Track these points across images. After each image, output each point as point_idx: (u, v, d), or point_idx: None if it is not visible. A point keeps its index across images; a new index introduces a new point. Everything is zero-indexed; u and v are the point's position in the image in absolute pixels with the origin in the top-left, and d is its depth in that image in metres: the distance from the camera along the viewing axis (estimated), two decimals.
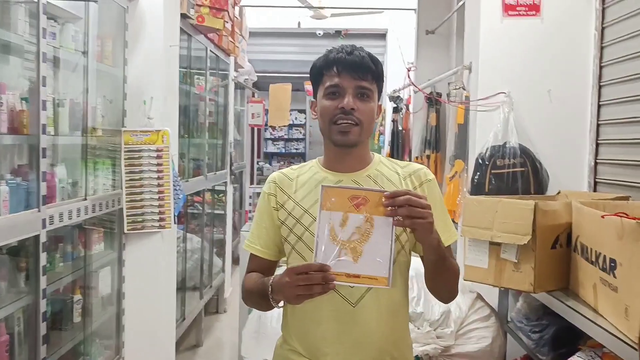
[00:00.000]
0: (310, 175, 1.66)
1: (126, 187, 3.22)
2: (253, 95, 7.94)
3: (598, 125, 3.23)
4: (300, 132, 12.62)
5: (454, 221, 2.81)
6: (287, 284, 1.40)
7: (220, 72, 5.43)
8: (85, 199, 2.87)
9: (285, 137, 12.61)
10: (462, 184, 3.64)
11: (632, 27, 2.92)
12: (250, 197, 8.28)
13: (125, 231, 3.23)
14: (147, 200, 3.25)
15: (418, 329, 2.66)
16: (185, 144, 4.35)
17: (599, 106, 3.23)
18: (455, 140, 3.93)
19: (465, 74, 3.64)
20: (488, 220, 2.61)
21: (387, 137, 7.04)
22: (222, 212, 5.91)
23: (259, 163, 11.45)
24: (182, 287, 4.29)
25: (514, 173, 3.23)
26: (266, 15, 7.31)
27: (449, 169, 3.97)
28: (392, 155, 6.10)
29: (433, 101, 4.89)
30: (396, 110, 6.22)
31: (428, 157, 5.02)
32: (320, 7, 6.75)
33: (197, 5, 4.03)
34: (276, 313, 3.22)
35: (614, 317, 2.04)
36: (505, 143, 3.26)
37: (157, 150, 3.26)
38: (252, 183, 9.54)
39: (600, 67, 3.22)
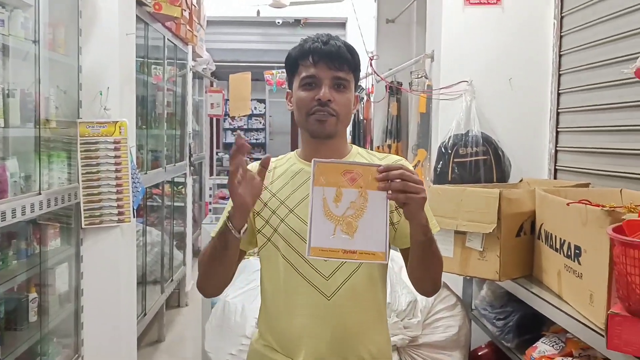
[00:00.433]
0: (287, 167, 1.63)
1: (83, 181, 3.11)
2: (211, 85, 7.81)
3: (558, 113, 3.28)
4: (260, 122, 12.51)
5: None
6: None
7: (178, 61, 5.31)
8: (40, 194, 2.75)
9: (245, 127, 12.48)
10: (425, 173, 3.64)
11: (590, 16, 2.96)
12: (210, 188, 8.18)
13: (83, 226, 3.13)
14: (105, 193, 3.15)
15: None
16: (143, 135, 4.24)
17: (559, 94, 3.27)
18: (417, 129, 3.93)
19: (427, 63, 3.64)
20: (453, 210, 2.62)
21: (349, 126, 7.03)
22: (182, 204, 5.81)
23: (219, 154, 11.32)
24: (142, 282, 4.20)
25: (477, 161, 3.25)
26: (225, 3, 7.19)
27: (411, 158, 3.98)
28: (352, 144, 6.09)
29: (394, 90, 4.89)
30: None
31: (389, 146, 5.02)
32: None
33: None
34: (240, 308, 3.17)
35: (579, 303, 2.07)
36: (467, 132, 3.28)
37: (115, 142, 3.16)
38: (211, 174, 9.42)
39: (560, 56, 3.26)
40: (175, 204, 5.53)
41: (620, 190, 2.49)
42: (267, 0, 6.81)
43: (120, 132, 3.17)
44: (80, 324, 3.21)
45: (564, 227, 2.19)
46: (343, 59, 1.53)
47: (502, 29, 3.37)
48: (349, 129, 7.07)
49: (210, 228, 3.92)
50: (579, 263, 2.06)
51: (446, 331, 2.71)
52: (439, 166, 3.29)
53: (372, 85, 5.67)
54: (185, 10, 4.74)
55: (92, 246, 3.23)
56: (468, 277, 2.92)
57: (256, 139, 12.51)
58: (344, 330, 1.53)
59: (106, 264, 3.26)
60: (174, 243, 5.37)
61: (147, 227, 4.47)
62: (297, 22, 7.49)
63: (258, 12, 7.15)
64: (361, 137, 6.04)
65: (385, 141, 5.11)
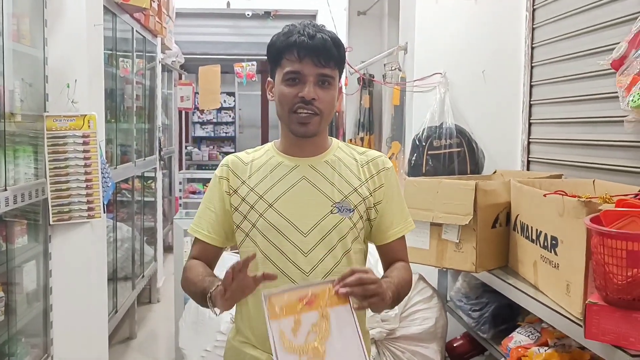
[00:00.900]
0: (265, 160, 1.60)
1: (50, 176, 3.02)
2: (180, 78, 7.70)
3: (530, 105, 3.30)
4: (230, 116, 12.38)
5: None
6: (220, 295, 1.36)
7: (147, 54, 5.21)
8: (5, 190, 2.66)
9: (214, 120, 12.35)
10: (399, 166, 3.64)
11: (561, 9, 2.98)
12: (180, 183, 8.07)
13: (51, 222, 3.04)
14: (74, 189, 3.07)
15: None
16: (112, 129, 4.15)
17: (531, 86, 3.30)
18: (391, 121, 3.93)
19: (400, 55, 3.63)
20: (429, 202, 2.62)
21: None
22: (152, 199, 5.72)
23: (188, 148, 11.18)
24: (113, 278, 4.12)
25: (451, 153, 3.26)
26: None
27: (385, 151, 3.97)
28: None
29: (366, 83, 4.88)
30: None
31: (362, 139, 5.02)
32: None
33: None
34: None
35: (555, 293, 2.08)
36: (441, 124, 3.28)
37: (84, 136, 3.07)
38: (181, 168, 9.30)
39: (532, 48, 3.28)
40: (145, 199, 5.44)
41: (593, 181, 2.52)
42: None
43: (89, 126, 3.09)
44: (49, 323, 3.13)
45: (540, 218, 2.21)
46: (329, 56, 1.49)
47: (475, 21, 3.38)
48: None
49: (182, 223, 3.87)
50: (556, 254, 2.07)
51: (423, 323, 2.72)
52: (413, 158, 3.30)
53: (346, 77, 5.66)
54: (154, 2, 4.65)
55: (61, 243, 3.14)
56: (444, 269, 2.93)
57: (226, 133, 12.40)
58: None
59: (76, 261, 3.18)
60: (145, 239, 5.28)
61: (117, 222, 4.38)
62: (267, 15, 7.40)
63: (228, 4, 7.05)
64: (334, 129, 6.02)
65: (358, 134, 5.10)
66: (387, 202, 1.61)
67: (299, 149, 1.57)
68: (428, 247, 2.66)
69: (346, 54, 1.64)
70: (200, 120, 12.30)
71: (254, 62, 7.10)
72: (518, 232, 2.45)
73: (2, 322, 2.75)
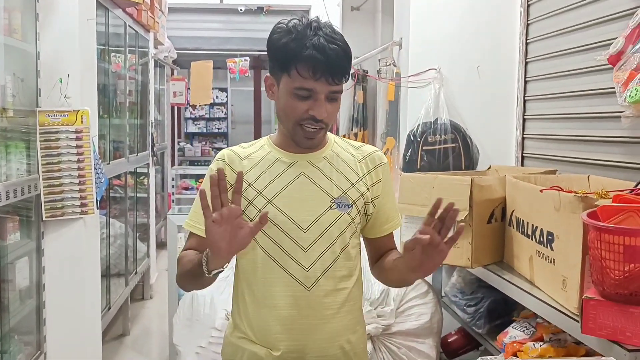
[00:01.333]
0: (262, 155, 1.58)
1: (43, 172, 2.99)
2: (173, 73, 7.66)
3: (524, 101, 3.31)
4: (222, 112, 12.33)
5: None
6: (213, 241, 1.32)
7: (139, 49, 5.17)
8: None
9: (207, 116, 12.29)
10: (394, 161, 3.64)
11: (555, 4, 2.98)
12: (172, 179, 8.04)
13: (44, 218, 3.02)
14: (66, 185, 3.04)
15: None
16: (104, 124, 4.12)
17: (525, 82, 3.30)
18: (386, 117, 3.92)
19: (395, 50, 3.62)
20: (424, 197, 2.61)
21: None
22: (145, 195, 5.69)
23: (180, 143, 11.14)
24: (106, 275, 4.10)
25: (445, 149, 3.26)
26: None
27: (380, 147, 3.97)
28: None
29: (360, 79, 4.87)
30: None
31: (355, 135, 5.01)
32: None
33: None
34: (209, 300, 3.12)
35: (551, 288, 2.09)
36: (436, 119, 3.28)
37: (77, 132, 3.05)
38: (173, 164, 9.27)
39: (527, 44, 3.28)
40: (138, 195, 5.41)
41: (588, 177, 2.52)
42: None
43: (82, 121, 3.06)
44: (42, 320, 3.11)
45: (536, 214, 2.21)
46: (343, 73, 1.46)
47: (469, 16, 3.37)
48: None
49: (175, 219, 3.86)
50: (552, 249, 2.07)
51: (419, 319, 2.72)
52: (408, 154, 3.29)
53: None
54: None
55: (54, 239, 3.12)
56: (440, 265, 2.92)
57: (218, 129, 12.35)
58: (323, 320, 1.52)
59: (69, 258, 3.15)
60: (138, 235, 5.26)
61: (110, 219, 4.36)
62: (260, 10, 7.38)
63: None
64: None
65: (352, 129, 5.09)
66: (384, 197, 1.63)
67: (297, 146, 1.57)
68: None
69: None
70: (193, 116, 12.25)
71: (247, 58, 7.08)
72: (513, 228, 2.45)
73: None
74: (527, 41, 3.28)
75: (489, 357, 1.35)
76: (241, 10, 7.36)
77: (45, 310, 3.12)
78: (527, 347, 2.28)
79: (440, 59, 3.35)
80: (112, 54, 4.32)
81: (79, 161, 3.07)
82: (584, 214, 1.72)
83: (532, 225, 2.24)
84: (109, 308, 4.07)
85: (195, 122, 12.32)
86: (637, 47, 1.81)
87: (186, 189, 8.10)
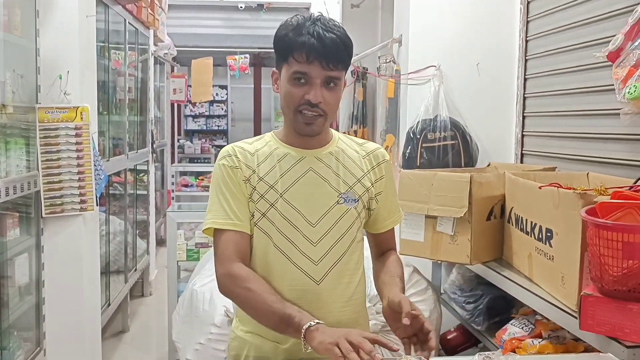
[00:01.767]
0: (270, 150, 1.60)
1: (43, 168, 2.99)
2: (173, 70, 7.66)
3: (524, 98, 3.30)
4: (222, 109, 12.34)
5: None
6: (330, 347, 1.29)
7: (139, 46, 5.17)
8: None
9: (207, 113, 12.29)
10: (393, 158, 3.64)
11: (555, 1, 2.98)
12: (172, 176, 8.04)
13: (44, 215, 3.02)
14: (66, 181, 3.04)
15: None
16: (104, 121, 4.12)
17: (525, 79, 3.30)
18: (385, 114, 3.92)
19: (395, 48, 3.62)
20: (424, 194, 2.61)
21: None
22: (145, 192, 5.69)
23: (180, 141, 11.14)
24: (105, 272, 4.10)
25: (445, 146, 3.26)
26: None
27: (380, 144, 3.96)
28: None
29: (360, 76, 4.87)
30: None
31: (355, 132, 5.01)
32: None
33: None
34: (208, 296, 3.12)
35: (550, 285, 2.09)
36: (436, 116, 3.28)
37: (76, 128, 3.05)
38: (173, 162, 9.27)
39: (526, 41, 3.28)
40: (138, 192, 5.41)
41: (587, 174, 2.52)
42: None
43: (81, 118, 3.06)
44: (41, 317, 3.11)
45: (535, 211, 2.21)
46: (338, 58, 1.48)
47: (469, 14, 3.37)
48: None
49: (175, 216, 3.86)
50: (550, 246, 2.08)
51: None
52: (408, 151, 3.30)
53: None
54: None
55: (54, 236, 3.12)
56: (439, 262, 2.93)
57: (218, 126, 12.35)
58: (330, 314, 1.53)
59: (68, 254, 3.16)
60: (137, 232, 5.26)
61: (110, 216, 4.36)
62: (260, 7, 7.37)
63: None
64: None
65: (351, 127, 5.09)
66: (386, 193, 1.67)
67: (303, 142, 1.59)
68: (423, 239, 2.66)
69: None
70: (193, 114, 12.25)
71: (247, 55, 7.08)
72: (512, 225, 2.45)
73: None
74: (527, 38, 3.27)
75: (486, 352, 1.35)
76: (241, 7, 7.36)
77: (45, 307, 3.12)
78: (525, 343, 2.28)
79: (440, 56, 3.35)
80: (112, 51, 4.32)
81: (78, 158, 3.07)
82: (582, 210, 1.72)
83: (531, 222, 2.24)
84: (109, 305, 4.08)
85: (195, 120, 12.33)
86: (636, 43, 1.81)
87: (186, 186, 8.11)
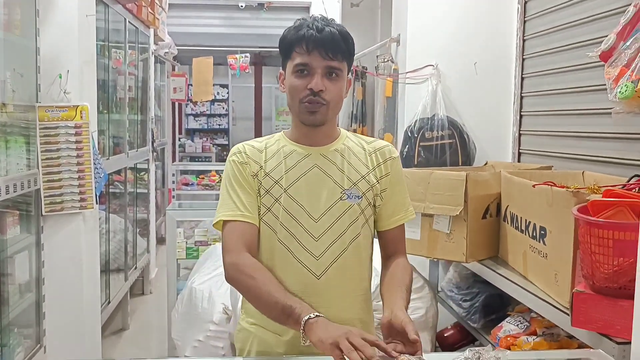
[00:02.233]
0: (278, 148, 1.64)
1: (43, 167, 3.01)
2: (173, 69, 7.67)
3: (521, 97, 3.32)
4: (223, 108, 12.35)
5: None
6: (330, 347, 1.31)
7: (139, 45, 5.19)
8: None
9: (208, 112, 12.31)
10: None
11: (552, 1, 2.99)
12: (173, 175, 8.06)
13: (44, 213, 3.04)
14: (66, 179, 3.06)
15: None
16: (104, 120, 4.14)
17: (522, 78, 3.31)
18: (384, 113, 3.94)
19: (393, 47, 3.64)
20: (420, 192, 2.63)
21: None
22: (145, 190, 5.71)
23: (181, 140, 11.15)
24: (105, 270, 4.12)
25: (443, 145, 3.28)
26: None
27: None
28: None
29: (359, 75, 4.89)
30: None
31: (354, 130, 5.03)
32: None
33: None
34: (207, 294, 3.15)
35: (544, 283, 2.11)
36: (433, 115, 3.30)
37: (76, 127, 3.07)
38: (174, 160, 9.28)
39: (523, 40, 3.30)
40: (138, 190, 5.43)
41: (582, 172, 2.54)
42: None
43: (81, 117, 3.08)
44: (42, 314, 3.13)
45: (530, 209, 2.23)
46: (337, 48, 1.54)
47: (467, 13, 3.39)
48: None
49: (175, 214, 3.88)
50: (544, 243, 2.09)
51: (414, 313, 2.74)
52: (405, 150, 3.31)
53: None
54: None
55: (54, 234, 3.14)
56: (435, 260, 2.95)
57: (219, 125, 12.36)
58: (331, 308, 1.55)
59: (68, 252, 3.18)
60: (138, 230, 5.28)
61: (110, 214, 4.38)
62: (260, 6, 7.37)
63: None
64: None
65: (351, 125, 5.11)
66: (391, 190, 1.67)
67: (310, 139, 1.62)
68: (419, 237, 2.68)
69: None
70: (194, 113, 12.26)
71: (247, 54, 7.09)
72: (508, 223, 2.47)
73: None
74: (524, 38, 3.29)
75: (477, 347, 1.37)
76: (242, 6, 7.36)
77: (45, 304, 3.14)
78: (520, 340, 2.30)
79: (437, 55, 3.37)
80: (113, 50, 4.34)
81: (78, 156, 3.09)
82: (574, 208, 1.74)
83: (526, 220, 2.26)
84: (108, 302, 4.10)
85: (197, 118, 12.34)
86: (628, 43, 1.82)
87: (186, 184, 8.13)
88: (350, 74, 1.65)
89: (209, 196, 7.66)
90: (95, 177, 3.16)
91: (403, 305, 1.51)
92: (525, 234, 2.26)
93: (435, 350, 2.95)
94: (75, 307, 3.24)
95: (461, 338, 3.06)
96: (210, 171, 8.39)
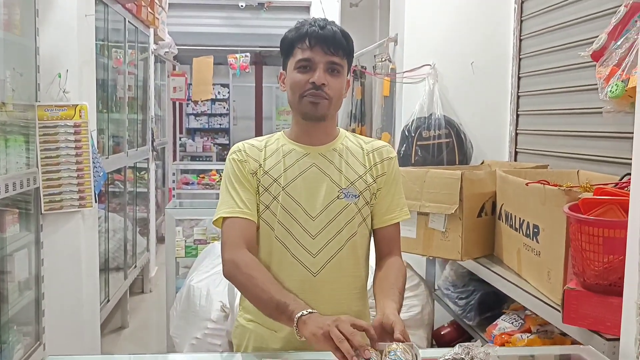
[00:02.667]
0: (277, 146, 1.66)
1: (42, 165, 3.04)
2: (174, 69, 7.70)
3: (518, 97, 3.33)
4: (224, 107, 12.37)
5: None
6: (322, 338, 1.32)
7: (139, 44, 5.21)
8: None
9: (208, 112, 12.33)
10: None
11: (549, 1, 3.01)
12: (173, 174, 8.08)
13: (43, 211, 3.06)
14: (65, 178, 3.09)
15: None
16: (103, 119, 4.16)
17: (519, 78, 3.33)
18: (381, 112, 3.96)
19: (390, 46, 3.66)
20: (416, 191, 2.65)
21: None
22: (145, 190, 5.73)
23: (182, 139, 11.18)
24: (105, 268, 4.14)
25: (439, 144, 3.29)
26: None
27: None
28: None
29: (358, 74, 4.90)
30: None
31: (353, 130, 5.04)
32: None
33: None
34: (205, 292, 3.17)
35: (537, 280, 2.13)
36: (430, 115, 3.32)
37: (75, 126, 3.09)
38: (174, 160, 9.30)
39: (520, 40, 3.31)
40: (138, 189, 5.45)
41: (577, 171, 2.56)
42: None
43: (80, 116, 3.11)
44: (41, 312, 3.15)
45: (523, 207, 2.25)
46: (338, 45, 1.57)
47: (464, 13, 3.41)
48: None
49: (174, 213, 3.90)
50: (537, 241, 2.11)
51: (409, 310, 2.76)
52: (403, 149, 3.33)
53: None
54: None
55: (53, 232, 3.16)
56: (431, 258, 2.97)
57: (220, 124, 12.39)
58: (328, 305, 1.57)
59: (67, 250, 3.20)
60: (137, 229, 5.30)
61: (110, 213, 4.40)
62: (260, 6, 7.39)
63: None
64: None
65: (350, 125, 5.12)
66: (387, 189, 1.69)
67: (309, 136, 1.64)
68: (415, 235, 2.69)
69: None
70: (195, 112, 12.28)
71: (248, 54, 7.11)
72: (503, 221, 2.49)
73: None
74: (521, 38, 3.31)
75: (466, 343, 1.39)
76: (242, 6, 7.38)
77: (44, 302, 3.16)
78: (515, 338, 2.32)
79: (435, 55, 3.38)
80: (113, 50, 4.36)
81: (77, 155, 3.11)
82: (566, 206, 1.76)
83: (520, 218, 2.28)
84: (108, 301, 4.12)
85: (197, 118, 12.36)
86: (618, 43, 1.84)
87: (187, 184, 8.14)
88: (349, 74, 1.68)
89: (209, 195, 7.68)
90: (94, 176, 3.19)
91: (395, 308, 1.52)
92: (519, 232, 2.28)
93: (432, 348, 2.96)
94: (75, 305, 3.27)
95: (457, 336, 3.08)
96: (210, 170, 8.41)
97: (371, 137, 4.61)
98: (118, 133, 4.64)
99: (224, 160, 1.73)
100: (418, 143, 3.30)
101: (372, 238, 1.73)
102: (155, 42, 5.89)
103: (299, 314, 1.40)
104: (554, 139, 2.96)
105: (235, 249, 1.56)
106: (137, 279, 5.34)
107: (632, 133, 1.46)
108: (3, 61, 2.82)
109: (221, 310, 3.02)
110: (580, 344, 1.76)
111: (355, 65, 4.85)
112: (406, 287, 2.81)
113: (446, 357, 1.35)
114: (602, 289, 1.66)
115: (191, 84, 7.50)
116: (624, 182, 1.95)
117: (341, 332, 1.31)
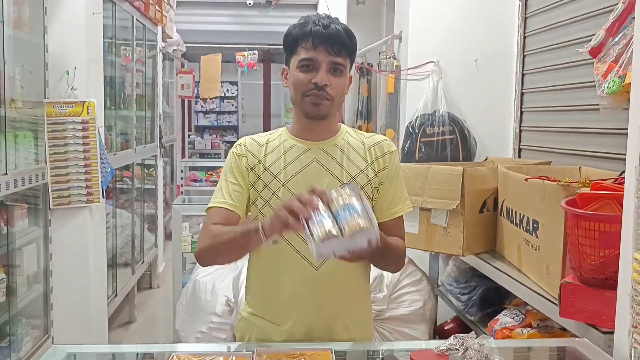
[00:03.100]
0: (278, 143, 1.68)
1: (50, 161, 3.09)
2: (182, 66, 7.74)
3: (522, 94, 3.34)
4: (233, 105, 12.41)
5: None
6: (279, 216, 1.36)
7: (147, 42, 5.26)
8: (6, 174, 2.73)
9: (217, 109, 12.37)
10: None
11: None
12: (181, 171, 8.13)
13: (51, 207, 3.11)
14: (73, 174, 3.13)
15: None
16: (112, 116, 4.21)
17: (523, 75, 3.34)
18: (385, 109, 3.98)
19: (395, 44, 3.68)
20: (418, 187, 2.67)
21: None
22: (153, 186, 5.78)
23: (190, 136, 11.23)
24: (112, 264, 4.19)
25: (443, 141, 3.31)
26: None
27: None
28: None
29: (365, 71, 4.92)
30: None
31: (360, 127, 5.06)
32: None
33: None
34: (210, 287, 3.21)
35: (536, 275, 2.14)
36: (434, 111, 3.33)
37: (83, 122, 3.14)
38: (183, 157, 9.36)
39: (524, 37, 3.32)
40: (146, 186, 5.50)
41: (579, 168, 2.57)
42: None
43: (88, 112, 3.15)
44: (49, 305, 3.21)
45: (524, 203, 2.26)
46: (342, 44, 1.58)
47: (468, 10, 3.42)
48: None
49: (181, 209, 3.94)
50: (537, 236, 2.13)
51: (411, 305, 2.78)
52: (407, 145, 3.35)
53: None
54: None
55: (61, 227, 3.22)
56: (433, 253, 2.99)
57: (228, 122, 12.43)
58: (330, 300, 1.60)
59: (75, 245, 3.25)
60: (145, 225, 5.35)
61: (117, 209, 4.45)
62: (268, 3, 7.42)
63: None
64: None
65: (356, 122, 5.14)
66: (389, 183, 1.70)
67: (311, 132, 1.66)
68: (417, 231, 2.71)
69: None
70: (203, 110, 12.33)
71: (256, 52, 7.14)
72: (504, 217, 2.51)
73: (3, 303, 2.83)
74: (525, 35, 3.31)
75: (461, 334, 1.41)
76: (250, 4, 7.42)
77: (53, 295, 3.22)
78: (515, 332, 2.33)
79: (439, 52, 3.40)
80: (121, 47, 4.40)
81: (85, 151, 3.16)
82: (563, 201, 1.78)
83: (520, 213, 2.29)
84: (115, 295, 4.17)
85: (206, 115, 12.40)
86: (616, 39, 1.85)
87: (195, 181, 8.19)
88: (351, 70, 1.69)
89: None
90: (101, 172, 3.23)
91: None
92: (520, 228, 2.29)
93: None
94: (82, 299, 3.32)
95: (461, 332, 3.08)
96: (218, 167, 8.44)
97: (377, 133, 4.64)
98: (126, 130, 4.69)
99: None
100: (422, 139, 3.31)
101: None
102: (164, 40, 5.93)
103: (261, 223, 1.43)
104: (557, 135, 2.97)
105: (204, 239, 1.59)
106: (145, 275, 5.39)
107: None
108: (12, 58, 2.87)
109: (226, 305, 3.06)
110: (578, 337, 1.77)
111: (362, 63, 4.87)
112: (408, 282, 2.87)
113: (441, 348, 1.37)
114: (598, 283, 1.67)
115: (199, 82, 7.54)
116: (622, 178, 1.96)
117: (300, 202, 1.34)
